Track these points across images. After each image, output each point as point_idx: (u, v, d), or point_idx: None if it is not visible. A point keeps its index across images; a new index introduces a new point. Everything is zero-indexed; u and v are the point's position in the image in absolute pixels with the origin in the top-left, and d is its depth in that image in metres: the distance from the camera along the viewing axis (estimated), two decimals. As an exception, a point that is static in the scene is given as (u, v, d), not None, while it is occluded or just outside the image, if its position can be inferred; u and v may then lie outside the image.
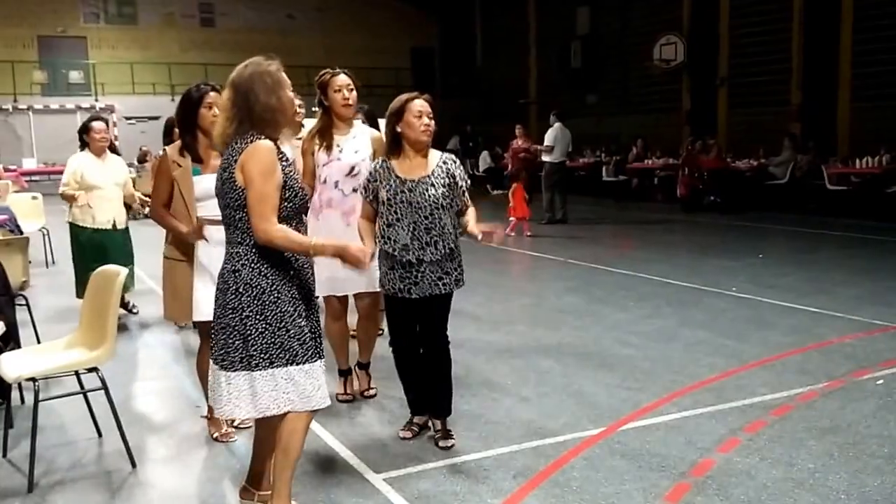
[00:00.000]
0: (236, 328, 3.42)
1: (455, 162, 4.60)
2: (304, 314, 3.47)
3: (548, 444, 4.63)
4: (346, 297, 5.40)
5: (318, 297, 3.86)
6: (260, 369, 3.41)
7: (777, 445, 4.54)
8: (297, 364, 3.43)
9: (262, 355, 3.41)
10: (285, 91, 3.46)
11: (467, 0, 31.43)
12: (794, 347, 6.54)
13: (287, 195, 3.40)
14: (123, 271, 4.50)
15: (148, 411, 5.49)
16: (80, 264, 7.45)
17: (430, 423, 4.78)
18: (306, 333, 3.46)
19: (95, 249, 7.44)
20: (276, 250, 3.40)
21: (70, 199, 7.55)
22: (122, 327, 7.59)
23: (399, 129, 4.45)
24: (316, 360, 3.50)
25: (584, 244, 13.31)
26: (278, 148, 3.44)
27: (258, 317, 3.39)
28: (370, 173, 4.55)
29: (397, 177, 4.44)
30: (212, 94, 4.58)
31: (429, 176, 4.45)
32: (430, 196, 4.40)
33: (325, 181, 5.18)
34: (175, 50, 29.37)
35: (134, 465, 4.42)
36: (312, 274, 3.60)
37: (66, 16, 28.68)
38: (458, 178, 4.51)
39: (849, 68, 17.87)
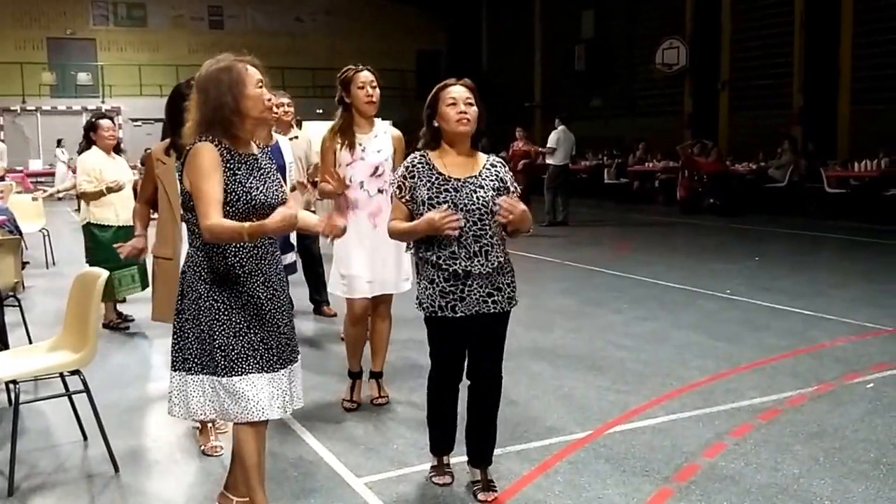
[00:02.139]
0: (179, 329, 3.43)
1: (504, 166, 4.02)
2: (241, 327, 3.37)
3: (533, 448, 4.61)
4: (369, 301, 5.23)
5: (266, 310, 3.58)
6: (193, 373, 3.40)
7: (763, 450, 4.52)
8: (217, 376, 3.37)
9: (194, 359, 3.39)
10: (247, 89, 3.34)
11: (473, 3, 31.50)
12: (785, 350, 6.52)
13: (228, 199, 3.29)
14: (104, 273, 4.49)
15: (136, 416, 5.46)
16: (104, 265, 7.22)
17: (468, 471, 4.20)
18: (235, 347, 3.36)
19: None
20: (221, 256, 3.35)
21: (96, 196, 7.35)
22: (117, 332, 7.57)
23: (436, 124, 3.93)
24: (238, 375, 3.36)
25: (582, 246, 13.32)
26: (233, 149, 3.37)
27: (193, 321, 3.38)
28: (406, 168, 3.95)
29: (439, 174, 3.87)
30: None
31: (476, 176, 3.89)
32: (478, 199, 3.82)
33: (349, 182, 5.05)
34: (183, 52, 29.46)
35: (117, 469, 4.39)
36: (269, 285, 3.45)
37: (75, 18, 28.89)
38: (508, 183, 3.95)
39: (849, 72, 17.92)
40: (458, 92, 3.89)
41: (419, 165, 3.91)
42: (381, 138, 5.12)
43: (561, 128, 16.03)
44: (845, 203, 15.73)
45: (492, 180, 3.91)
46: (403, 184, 3.92)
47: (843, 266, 10.83)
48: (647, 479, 4.18)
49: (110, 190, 7.33)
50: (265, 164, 3.51)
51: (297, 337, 3.67)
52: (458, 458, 4.37)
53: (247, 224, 3.21)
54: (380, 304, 5.31)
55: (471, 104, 3.88)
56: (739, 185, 17.78)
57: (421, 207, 3.84)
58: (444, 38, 33.23)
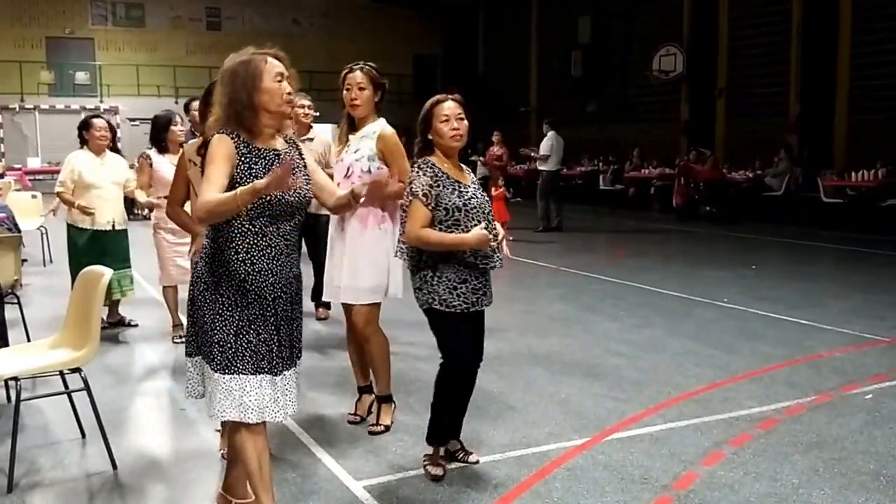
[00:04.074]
0: (191, 316, 3.44)
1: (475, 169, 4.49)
2: (242, 325, 3.31)
3: (531, 454, 4.61)
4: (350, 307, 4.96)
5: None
6: (204, 360, 3.41)
7: (762, 460, 4.52)
8: (213, 370, 3.33)
9: (204, 347, 3.39)
10: (262, 83, 3.28)
11: (470, 8, 31.54)
12: (782, 360, 6.53)
13: None
14: (108, 272, 4.47)
15: (136, 417, 5.45)
16: (76, 267, 7.15)
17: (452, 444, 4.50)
18: (233, 346, 3.31)
19: (94, 251, 7.23)
20: (233, 251, 3.29)
21: (68, 204, 7.34)
22: (119, 337, 7.49)
23: (430, 138, 4.18)
24: (230, 374, 3.30)
25: (577, 252, 13.33)
26: (251, 143, 3.32)
27: (201, 311, 3.36)
28: (431, 178, 4.07)
29: (457, 181, 4.15)
30: None
31: (475, 182, 4.29)
32: (487, 202, 4.26)
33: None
34: (181, 52, 29.57)
35: (115, 467, 4.39)
36: (278, 286, 3.38)
37: (74, 17, 28.89)
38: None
39: (846, 81, 17.96)
40: (450, 108, 4.15)
41: (440, 174, 4.11)
42: (366, 139, 4.85)
43: (552, 133, 16.01)
44: (842, 213, 15.75)
45: (478, 183, 4.35)
46: (430, 192, 4.05)
47: (840, 276, 10.86)
48: (646, 487, 4.18)
49: (82, 209, 7.25)
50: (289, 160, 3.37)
51: (302, 341, 3.62)
52: (463, 463, 4.42)
53: (238, 189, 3.14)
54: (350, 319, 4.97)
55: (462, 119, 4.18)
56: (736, 193, 17.79)
57: (455, 213, 4.06)
58: (440, 42, 33.23)
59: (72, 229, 7.47)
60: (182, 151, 4.63)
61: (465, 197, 4.10)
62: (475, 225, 4.05)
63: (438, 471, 4.27)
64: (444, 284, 4.10)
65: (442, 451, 4.37)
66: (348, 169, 4.83)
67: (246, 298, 3.33)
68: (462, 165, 4.34)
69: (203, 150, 4.16)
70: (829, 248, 13.59)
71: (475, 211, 4.10)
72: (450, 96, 4.22)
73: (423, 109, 4.22)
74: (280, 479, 4.23)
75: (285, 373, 3.46)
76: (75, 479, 4.34)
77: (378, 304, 4.90)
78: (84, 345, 4.39)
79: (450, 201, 4.06)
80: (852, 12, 17.74)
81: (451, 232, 4.06)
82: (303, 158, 3.54)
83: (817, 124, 18.37)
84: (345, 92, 4.87)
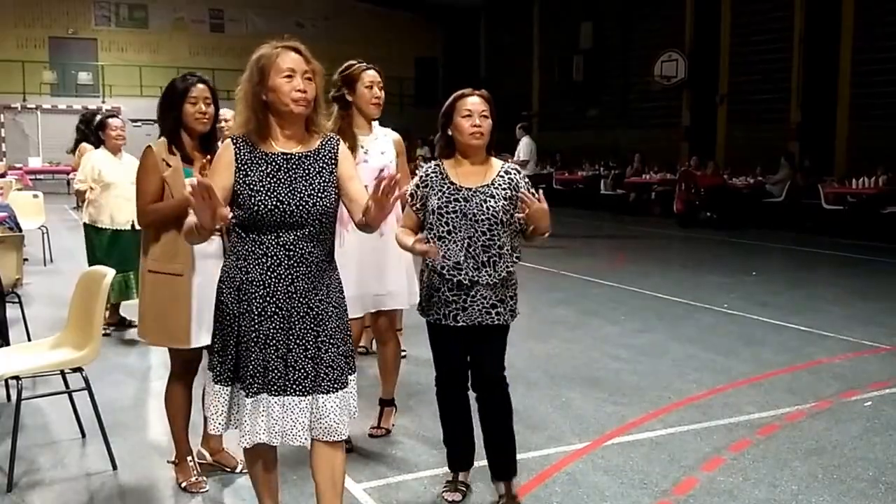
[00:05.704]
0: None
1: (519, 172, 3.94)
2: (226, 332, 3.14)
3: (531, 458, 4.60)
4: (361, 318, 4.82)
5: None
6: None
7: (761, 465, 4.53)
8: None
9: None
10: (268, 79, 3.03)
11: (472, 11, 31.55)
12: (783, 366, 6.53)
13: (237, 201, 3.07)
14: (110, 273, 4.47)
15: (136, 417, 5.46)
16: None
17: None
18: (215, 348, 3.21)
19: (117, 252, 7.15)
20: (234, 257, 3.14)
21: (81, 195, 7.30)
22: (119, 336, 7.48)
23: (450, 132, 3.88)
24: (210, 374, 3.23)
25: (578, 256, 13.29)
26: (257, 146, 3.10)
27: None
28: (420, 178, 3.90)
29: (451, 183, 3.83)
30: (199, 86, 4.00)
31: (488, 185, 3.82)
32: (488, 209, 3.76)
33: None
34: (184, 54, 29.66)
35: (115, 467, 4.40)
36: (272, 301, 3.09)
37: (78, 18, 29.03)
38: (521, 189, 3.82)
39: (848, 88, 17.92)
40: (473, 104, 3.84)
41: (433, 175, 3.89)
42: (381, 140, 4.79)
43: (526, 138, 16.04)
44: (842, 220, 15.75)
45: (504, 188, 3.84)
46: (416, 192, 3.92)
47: (841, 283, 10.84)
48: (646, 492, 4.18)
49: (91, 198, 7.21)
50: (298, 167, 3.12)
51: (322, 369, 3.17)
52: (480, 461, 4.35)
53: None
54: (378, 323, 4.92)
55: (486, 117, 3.84)
56: (737, 200, 17.79)
57: (431, 216, 3.83)
58: (442, 45, 33.32)
59: (90, 230, 7.37)
60: (151, 151, 4.08)
61: (445, 200, 3.80)
62: (447, 231, 3.78)
63: (453, 496, 4.05)
64: (424, 290, 3.92)
65: (461, 476, 4.15)
66: (381, 171, 4.60)
67: (240, 307, 3.11)
68: (495, 161, 3.96)
69: (172, 147, 4.03)
70: (829, 254, 13.59)
71: (452, 216, 3.78)
72: (475, 91, 3.93)
73: (445, 104, 3.93)
74: (280, 480, 4.23)
75: (267, 397, 3.11)
76: (75, 479, 4.35)
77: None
78: (86, 345, 4.39)
79: (431, 203, 3.83)
80: (854, 20, 17.72)
81: (426, 234, 3.89)
82: (332, 163, 3.18)
83: (818, 131, 18.37)
84: (366, 90, 4.69)
